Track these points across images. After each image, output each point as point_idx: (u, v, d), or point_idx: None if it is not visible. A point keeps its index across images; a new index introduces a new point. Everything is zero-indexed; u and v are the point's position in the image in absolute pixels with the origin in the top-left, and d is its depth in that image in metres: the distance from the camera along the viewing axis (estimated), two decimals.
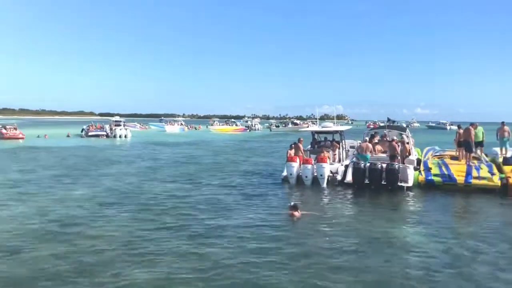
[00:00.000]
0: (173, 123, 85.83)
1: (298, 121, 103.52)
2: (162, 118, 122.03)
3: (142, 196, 13.84)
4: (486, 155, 18.61)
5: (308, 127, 57.17)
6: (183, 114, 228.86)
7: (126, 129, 53.41)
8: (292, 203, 11.50)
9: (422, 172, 16.13)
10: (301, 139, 17.73)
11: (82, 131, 54.38)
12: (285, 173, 16.71)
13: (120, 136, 50.49)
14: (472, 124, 17.92)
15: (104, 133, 51.72)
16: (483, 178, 15.13)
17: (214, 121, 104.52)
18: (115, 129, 51.59)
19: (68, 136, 52.00)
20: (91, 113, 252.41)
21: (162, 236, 9.26)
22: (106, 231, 9.59)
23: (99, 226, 10.04)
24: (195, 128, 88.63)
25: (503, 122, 19.20)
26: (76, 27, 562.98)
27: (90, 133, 51.69)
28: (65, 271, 7.14)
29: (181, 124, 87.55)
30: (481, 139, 18.02)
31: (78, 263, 7.51)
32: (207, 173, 19.60)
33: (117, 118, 57.41)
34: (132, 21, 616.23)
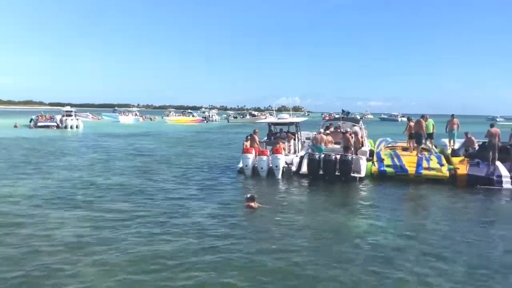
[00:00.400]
0: (127, 114, 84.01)
1: (256, 113, 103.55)
2: (116, 108, 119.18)
3: (93, 190, 13.27)
4: (436, 147, 19.27)
5: (266, 118, 57.40)
6: (138, 105, 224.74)
7: (77, 119, 51.57)
8: (249, 195, 11.44)
9: (375, 163, 16.48)
10: (257, 130, 17.71)
11: (30, 122, 51.98)
12: (240, 165, 16.63)
13: (71, 127, 48.69)
14: (423, 116, 18.49)
15: (54, 123, 49.75)
16: (433, 169, 15.61)
17: (170, 112, 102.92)
18: (66, 119, 49.63)
19: (15, 126, 49.57)
20: (41, 103, 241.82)
21: (114, 231, 8.92)
22: (55, 228, 9.06)
23: (47, 223, 9.50)
24: (150, 119, 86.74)
25: (452, 115, 19.90)
26: (22, 10, 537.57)
27: (39, 124, 49.56)
28: (8, 275, 6.68)
29: (136, 114, 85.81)
30: (431, 131, 18.65)
31: (24, 264, 7.06)
32: (161, 165, 19.18)
33: (68, 108, 55.39)
34: (89, 6, 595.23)
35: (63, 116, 51.06)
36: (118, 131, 46.36)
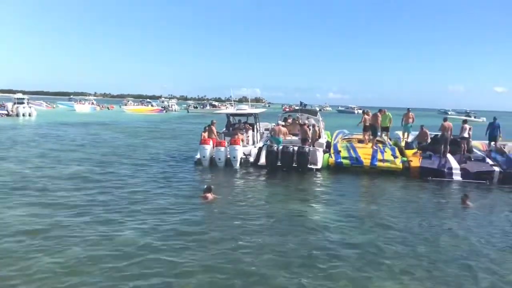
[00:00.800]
0: (83, 102, 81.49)
1: (216, 103, 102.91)
2: (72, 96, 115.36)
3: (45, 181, 12.68)
4: (390, 139, 19.78)
5: (226, 109, 57.29)
6: (95, 93, 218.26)
7: (30, 107, 49.59)
8: (205, 186, 11.34)
9: (332, 155, 16.71)
10: (214, 121, 17.58)
11: None
12: (198, 156, 16.47)
13: (23, 115, 46.80)
14: (380, 110, 18.99)
15: (5, 111, 47.57)
16: (387, 160, 15.99)
17: (128, 101, 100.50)
18: (17, 107, 47.60)
19: None
20: None
21: (68, 223, 8.59)
22: (6, 220, 8.63)
23: None
24: (108, 108, 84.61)
25: (408, 109, 20.45)
26: None
27: None
28: None
29: (92, 103, 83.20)
30: (387, 125, 19.17)
31: None
32: (118, 156, 18.65)
33: (19, 95, 53.14)
34: None
35: (14, 103, 48.94)
36: (74, 120, 44.90)
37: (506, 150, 17.04)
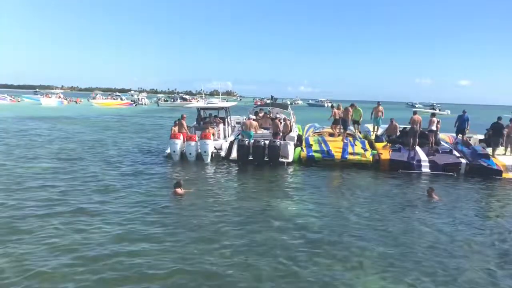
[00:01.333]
0: (50, 96, 79.21)
1: (187, 96, 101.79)
2: (37, 90, 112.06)
3: (9, 179, 12.21)
4: (360, 132, 20.02)
5: (198, 102, 56.75)
6: (62, 86, 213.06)
7: None
8: (175, 181, 11.21)
9: (304, 149, 16.77)
10: (184, 115, 17.35)
11: None
12: (168, 150, 16.24)
13: None
14: (352, 105, 19.20)
15: None
16: (357, 154, 16.13)
17: (96, 94, 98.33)
18: None
19: None
20: None
21: (32, 222, 8.32)
22: None
23: None
24: (75, 102, 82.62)
25: (378, 103, 20.67)
26: None
27: None
28: None
29: (59, 97, 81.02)
30: (358, 119, 19.41)
31: None
32: (86, 151, 18.15)
33: None
34: None
35: None
36: (40, 115, 43.49)
37: (471, 142, 17.49)
